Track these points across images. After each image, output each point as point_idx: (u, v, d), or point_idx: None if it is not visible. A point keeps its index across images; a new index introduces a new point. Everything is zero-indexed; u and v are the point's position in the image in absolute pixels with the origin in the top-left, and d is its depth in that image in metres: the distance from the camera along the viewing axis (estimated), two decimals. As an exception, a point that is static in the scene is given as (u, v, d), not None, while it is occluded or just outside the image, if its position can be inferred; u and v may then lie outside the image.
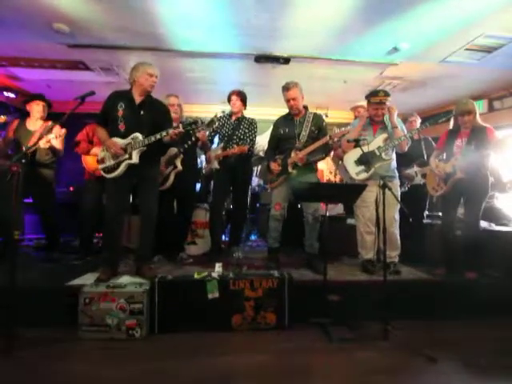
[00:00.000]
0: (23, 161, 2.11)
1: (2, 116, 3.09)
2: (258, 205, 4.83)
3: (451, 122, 2.95)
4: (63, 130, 3.13)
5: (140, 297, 2.15)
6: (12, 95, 4.44)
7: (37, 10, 2.70)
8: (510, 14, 2.63)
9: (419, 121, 3.58)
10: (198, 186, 4.37)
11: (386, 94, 2.73)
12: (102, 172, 2.49)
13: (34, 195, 3.28)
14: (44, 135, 2.78)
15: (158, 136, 2.42)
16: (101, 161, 2.52)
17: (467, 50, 3.21)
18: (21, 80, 4.35)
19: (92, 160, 3.04)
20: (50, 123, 3.13)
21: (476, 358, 1.97)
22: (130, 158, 2.41)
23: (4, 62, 3.81)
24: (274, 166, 2.90)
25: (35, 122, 3.20)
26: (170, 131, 2.41)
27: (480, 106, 4.42)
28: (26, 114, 3.27)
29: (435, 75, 3.90)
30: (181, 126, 2.43)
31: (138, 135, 2.42)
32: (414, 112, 3.69)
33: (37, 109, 3.18)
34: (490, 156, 2.72)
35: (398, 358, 1.93)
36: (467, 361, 1.94)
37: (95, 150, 3.08)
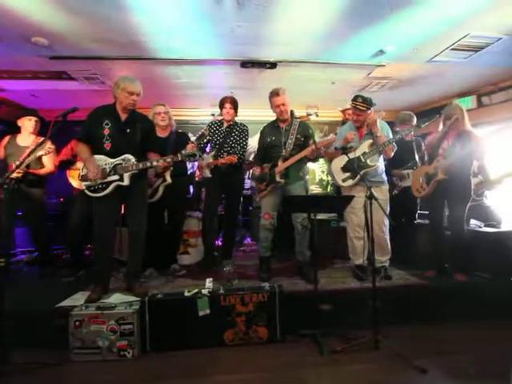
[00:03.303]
0: (5, 186, 2.08)
1: None
2: (250, 208, 4.83)
3: (440, 125, 2.94)
4: (53, 147, 3.11)
5: (130, 317, 2.15)
6: (-5, 107, 4.36)
7: (14, 25, 2.63)
8: (493, 15, 2.61)
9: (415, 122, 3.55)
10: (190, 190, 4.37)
11: (365, 101, 2.69)
12: (86, 190, 2.43)
13: (23, 211, 3.26)
14: (32, 153, 2.78)
15: (155, 163, 2.42)
16: (84, 177, 2.44)
17: (453, 49, 3.19)
18: (5, 91, 4.27)
19: (76, 175, 3.01)
20: (41, 139, 3.10)
21: (466, 365, 2.00)
22: (122, 180, 2.38)
23: (-15, 75, 3.73)
24: (255, 169, 2.94)
25: (27, 137, 3.16)
26: (168, 159, 2.42)
27: (469, 102, 4.42)
28: (15, 129, 3.24)
29: (423, 74, 3.88)
30: (180, 156, 2.44)
31: (131, 158, 2.39)
32: (412, 114, 3.55)
33: (29, 124, 3.15)
34: (473, 159, 2.75)
35: (389, 370, 1.95)
36: (457, 369, 1.97)
37: (78, 164, 3.06)
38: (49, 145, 3.11)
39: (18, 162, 2.82)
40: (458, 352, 2.17)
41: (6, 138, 3.18)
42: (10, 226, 3.21)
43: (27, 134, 3.16)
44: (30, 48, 3.00)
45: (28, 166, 3.02)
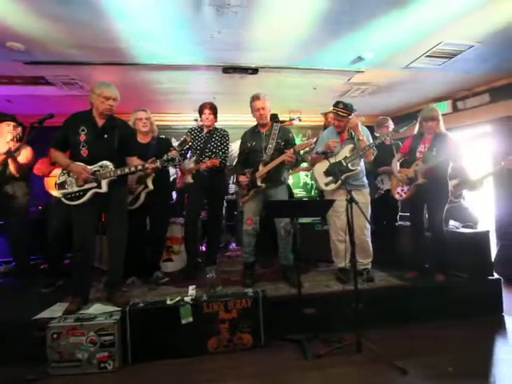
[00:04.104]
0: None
1: None
2: (235, 213, 4.81)
3: (416, 127, 3.03)
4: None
5: (111, 328, 2.09)
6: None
7: (-14, 29, 2.56)
8: (465, 24, 2.72)
9: (392, 125, 3.66)
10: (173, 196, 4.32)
11: (345, 107, 2.74)
12: (63, 199, 2.37)
13: (5, 217, 3.12)
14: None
15: (133, 169, 2.38)
16: (60, 185, 2.38)
17: (428, 56, 3.30)
18: (-23, 96, 4.13)
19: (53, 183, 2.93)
20: (18, 144, 3.00)
21: (446, 365, 2.04)
22: (99, 186, 2.32)
23: (-42, 80, 3.60)
24: (242, 179, 2.91)
25: (4, 143, 3.05)
26: (146, 166, 2.39)
27: (445, 107, 4.58)
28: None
29: (401, 80, 4.00)
30: (158, 162, 2.42)
31: (108, 164, 2.35)
32: (387, 117, 3.74)
33: (6, 129, 3.03)
34: (449, 162, 2.84)
35: (371, 372, 1.97)
36: (437, 369, 2.01)
37: (56, 171, 2.97)
38: (29, 151, 3.03)
39: None
40: (439, 352, 2.21)
41: None
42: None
43: (5, 139, 3.05)
44: (3, 53, 2.92)
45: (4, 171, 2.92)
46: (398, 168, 3.03)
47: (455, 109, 4.55)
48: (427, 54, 3.23)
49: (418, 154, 2.89)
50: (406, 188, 2.94)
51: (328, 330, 2.36)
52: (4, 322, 2.28)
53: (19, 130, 3.11)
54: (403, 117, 5.13)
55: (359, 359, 2.09)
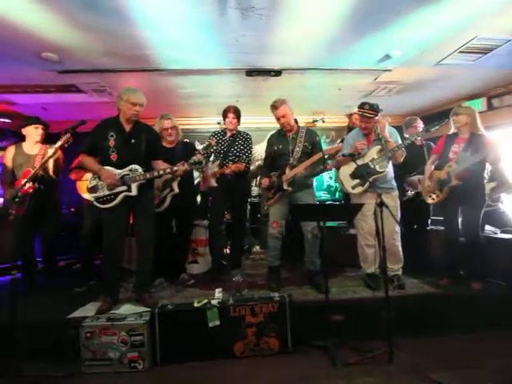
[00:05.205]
0: (16, 200, 2.11)
1: None
2: (259, 215, 4.80)
3: (452, 127, 2.90)
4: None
5: (141, 328, 2.15)
6: (8, 120, 4.46)
7: (24, 42, 2.69)
8: (500, 17, 2.56)
9: (422, 125, 3.53)
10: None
11: (372, 108, 2.67)
12: (95, 202, 2.46)
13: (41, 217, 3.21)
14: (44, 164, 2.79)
15: (162, 172, 2.45)
16: (92, 189, 2.48)
17: (461, 52, 3.14)
18: (16, 104, 4.37)
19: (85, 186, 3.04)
20: (51, 148, 3.11)
21: (484, 379, 1.92)
22: (130, 190, 2.40)
23: (-3, 90, 3.83)
24: (264, 181, 2.90)
25: (33, 145, 3.17)
26: (175, 168, 2.45)
27: (479, 105, 4.34)
28: (20, 139, 3.27)
29: (431, 77, 3.83)
30: (186, 164, 2.48)
31: (138, 168, 2.42)
32: (416, 117, 3.63)
33: (35, 132, 3.14)
34: (486, 164, 2.68)
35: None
36: (475, 383, 1.90)
37: (88, 175, 3.08)
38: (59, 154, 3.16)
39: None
40: (475, 365, 2.09)
41: (13, 148, 3.13)
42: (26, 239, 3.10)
43: (33, 142, 3.15)
44: (39, 63, 3.07)
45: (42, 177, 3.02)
46: (432, 171, 2.90)
47: (490, 107, 4.30)
48: (460, 49, 3.07)
49: (451, 155, 2.76)
50: (438, 192, 2.81)
51: (356, 337, 2.29)
52: (39, 320, 2.38)
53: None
54: (434, 116, 4.91)
55: (391, 370, 2.01)
